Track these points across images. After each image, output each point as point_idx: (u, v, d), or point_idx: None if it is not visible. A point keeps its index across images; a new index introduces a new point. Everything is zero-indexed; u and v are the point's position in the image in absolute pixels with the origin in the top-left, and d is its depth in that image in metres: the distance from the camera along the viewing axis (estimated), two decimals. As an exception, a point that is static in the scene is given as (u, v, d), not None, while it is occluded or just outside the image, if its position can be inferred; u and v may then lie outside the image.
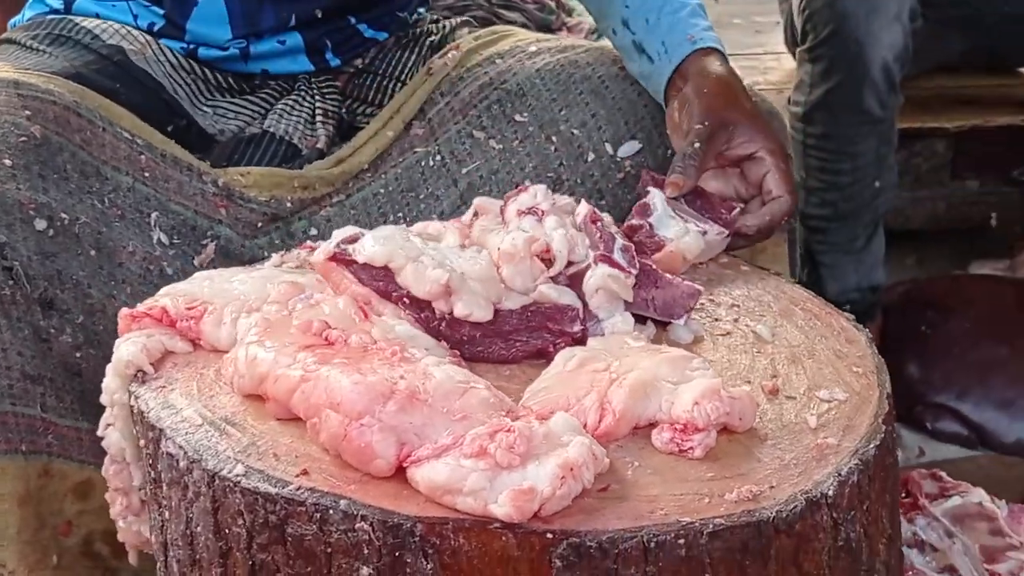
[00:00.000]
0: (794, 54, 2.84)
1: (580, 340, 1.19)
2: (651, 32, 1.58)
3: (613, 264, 1.21)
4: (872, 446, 1.08)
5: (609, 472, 1.01)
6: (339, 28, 1.75)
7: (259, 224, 1.57)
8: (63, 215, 1.43)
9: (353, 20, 1.76)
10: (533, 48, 1.72)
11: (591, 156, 1.61)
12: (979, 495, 1.71)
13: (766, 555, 0.99)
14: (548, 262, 1.21)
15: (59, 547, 1.44)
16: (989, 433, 2.40)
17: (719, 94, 1.50)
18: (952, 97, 2.83)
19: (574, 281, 1.21)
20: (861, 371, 1.19)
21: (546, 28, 3.32)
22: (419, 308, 1.18)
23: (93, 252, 1.45)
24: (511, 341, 1.18)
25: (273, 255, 1.38)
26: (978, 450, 2.41)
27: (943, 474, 1.76)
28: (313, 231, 1.59)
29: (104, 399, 1.22)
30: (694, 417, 1.04)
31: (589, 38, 3.33)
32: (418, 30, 1.83)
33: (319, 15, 1.71)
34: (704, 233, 1.37)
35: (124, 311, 1.22)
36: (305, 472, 1.02)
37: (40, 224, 1.41)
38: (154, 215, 1.50)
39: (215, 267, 1.50)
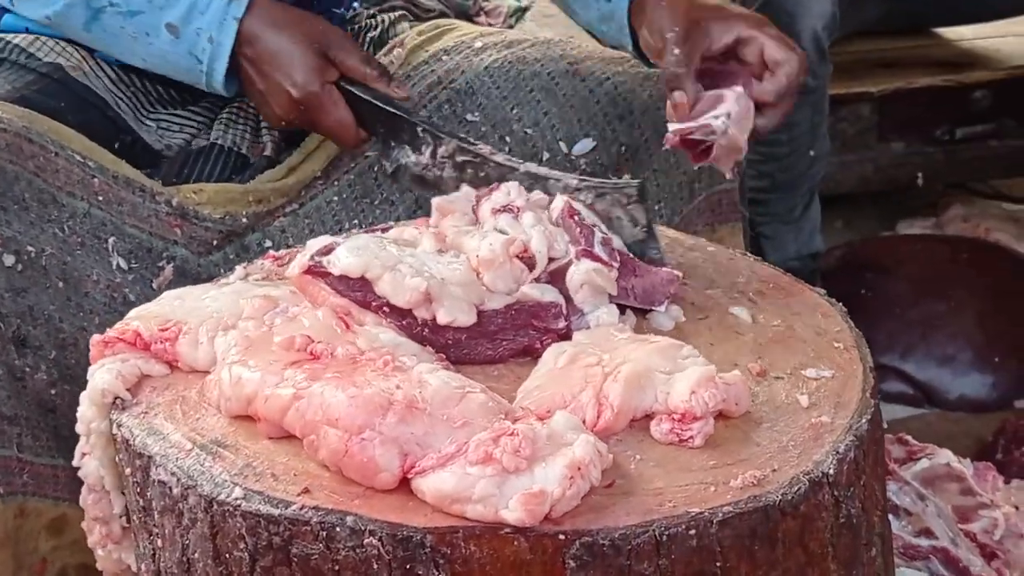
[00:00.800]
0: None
1: (565, 336, 1.18)
2: None
3: (595, 258, 1.20)
4: (864, 421, 1.09)
5: (612, 468, 1.01)
6: None
7: (214, 242, 1.54)
8: (29, 248, 1.40)
9: None
10: (479, 44, 1.70)
11: (546, 155, 1.61)
12: (946, 456, 1.74)
13: (774, 538, 1.00)
14: (528, 261, 1.20)
15: None
16: (934, 390, 2.45)
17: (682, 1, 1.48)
18: (874, 61, 2.87)
19: (555, 277, 1.21)
20: (842, 346, 1.20)
21: (463, 12, 3.29)
22: (400, 316, 1.16)
23: (61, 284, 1.42)
24: (497, 341, 1.17)
25: (237, 268, 1.35)
26: (924, 408, 2.45)
27: (909, 437, 1.79)
28: (268, 243, 1.57)
29: (80, 428, 1.20)
30: (692, 406, 1.04)
31: (507, 21, 3.31)
32: (356, 26, 1.81)
33: None
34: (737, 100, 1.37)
35: (95, 337, 1.19)
36: (307, 490, 1.00)
37: (8, 259, 1.38)
38: (111, 240, 1.47)
39: (173, 289, 1.49)
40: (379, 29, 1.80)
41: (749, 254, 1.42)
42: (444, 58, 1.68)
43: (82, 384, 1.18)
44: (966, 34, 3.00)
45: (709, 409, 1.05)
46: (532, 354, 1.17)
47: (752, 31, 1.44)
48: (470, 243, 1.20)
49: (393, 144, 1.47)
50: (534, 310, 1.18)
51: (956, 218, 3.05)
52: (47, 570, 1.44)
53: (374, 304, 1.16)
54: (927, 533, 1.59)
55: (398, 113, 1.47)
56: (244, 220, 1.56)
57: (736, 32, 1.45)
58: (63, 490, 1.41)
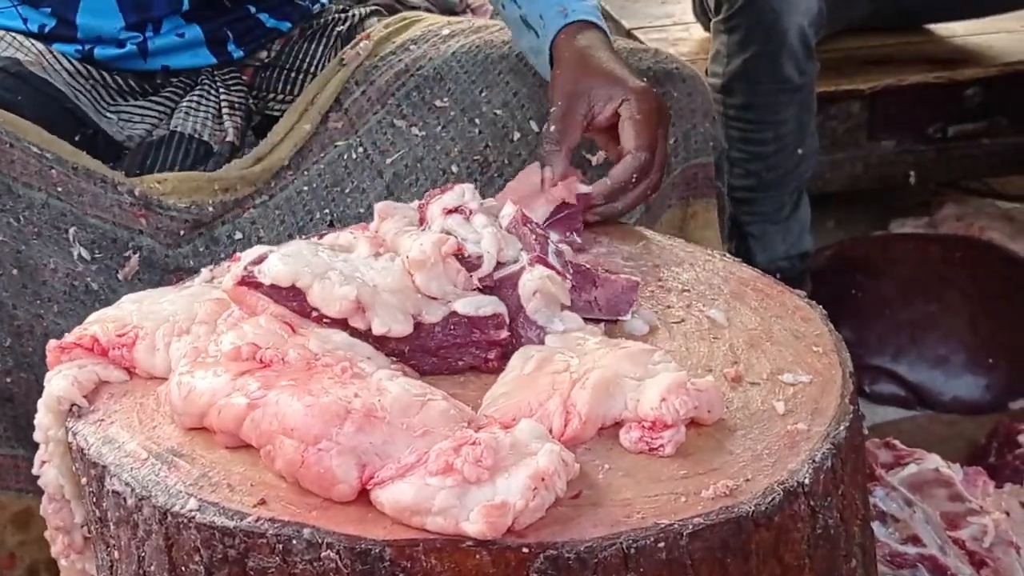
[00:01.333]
0: (704, 24, 2.82)
1: (509, 346, 1.14)
2: (532, 4, 1.55)
3: (549, 267, 1.16)
4: (842, 428, 1.06)
5: (580, 478, 0.98)
6: (239, 18, 1.70)
7: (181, 232, 1.52)
8: None
9: (253, 9, 1.71)
10: (446, 31, 1.70)
11: (516, 135, 1.60)
12: (934, 461, 1.70)
13: (747, 550, 0.97)
14: (467, 263, 1.15)
15: None
16: (926, 392, 2.41)
17: (574, 66, 1.47)
18: (863, 58, 2.83)
19: (506, 284, 1.16)
20: (821, 350, 1.17)
21: (450, 12, 3.27)
22: (337, 327, 1.11)
23: (15, 271, 1.41)
24: (441, 356, 1.13)
25: (203, 270, 1.32)
26: (916, 410, 2.41)
27: (896, 442, 1.75)
28: (238, 235, 1.55)
29: (38, 436, 1.17)
30: (662, 414, 1.01)
31: (495, 19, 3.28)
32: (323, 20, 1.78)
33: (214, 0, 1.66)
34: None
35: (52, 343, 1.17)
36: (263, 502, 0.97)
37: None
38: (72, 230, 1.46)
39: (140, 279, 1.47)
40: (347, 24, 1.77)
41: (728, 255, 1.38)
42: (412, 47, 1.67)
43: (39, 372, 1.16)
44: (957, 30, 2.96)
45: (680, 417, 1.01)
46: (484, 371, 1.13)
47: (623, 107, 1.42)
48: (405, 244, 1.16)
49: None
50: (474, 320, 1.13)
51: (949, 217, 3.01)
52: (16, 565, 1.42)
53: (313, 315, 1.12)
54: (914, 540, 1.55)
55: None
56: (211, 209, 1.53)
57: (615, 104, 1.42)
58: (25, 481, 1.38)
